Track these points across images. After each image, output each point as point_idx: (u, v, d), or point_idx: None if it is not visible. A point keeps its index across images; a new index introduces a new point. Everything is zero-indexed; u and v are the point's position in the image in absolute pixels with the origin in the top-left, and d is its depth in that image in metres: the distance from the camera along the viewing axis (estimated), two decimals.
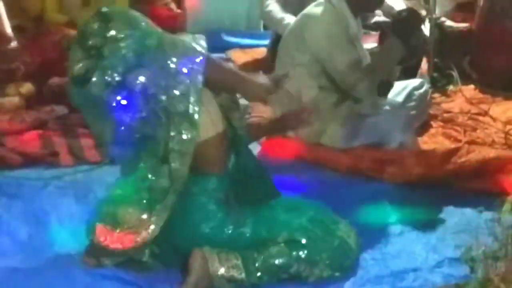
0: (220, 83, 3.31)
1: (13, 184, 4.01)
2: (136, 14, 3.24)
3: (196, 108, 3.04)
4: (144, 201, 3.15)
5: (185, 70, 3.07)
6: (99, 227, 3.18)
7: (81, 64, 3.10)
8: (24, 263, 3.34)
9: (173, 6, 6.52)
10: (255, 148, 4.52)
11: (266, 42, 5.82)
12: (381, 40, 4.76)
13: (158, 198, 3.12)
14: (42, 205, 3.80)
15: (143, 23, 3.18)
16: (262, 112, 4.94)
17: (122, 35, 3.10)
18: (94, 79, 3.07)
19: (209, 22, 6.34)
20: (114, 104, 3.10)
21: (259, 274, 3.22)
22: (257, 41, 6.14)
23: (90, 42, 3.11)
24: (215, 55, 5.82)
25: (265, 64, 5.49)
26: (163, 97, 3.04)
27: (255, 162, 3.48)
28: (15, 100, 4.92)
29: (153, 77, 3.08)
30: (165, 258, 3.27)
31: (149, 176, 3.15)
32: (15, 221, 3.67)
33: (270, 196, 3.47)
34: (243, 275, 3.19)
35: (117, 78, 3.08)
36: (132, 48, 3.09)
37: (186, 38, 3.09)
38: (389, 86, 4.64)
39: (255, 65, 5.76)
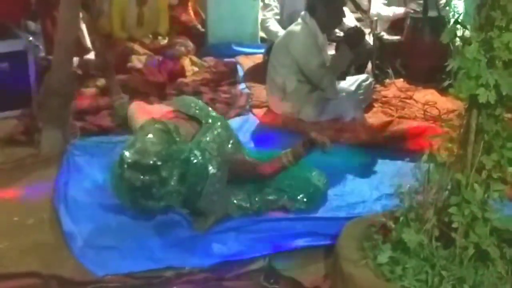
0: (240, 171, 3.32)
1: (92, 146, 4.01)
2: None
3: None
4: None
5: None
6: None
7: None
8: (101, 199, 3.38)
9: (199, 26, 6.52)
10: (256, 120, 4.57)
11: (262, 50, 5.78)
12: (336, 49, 4.76)
13: None
14: (112, 160, 3.78)
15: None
16: (260, 98, 4.94)
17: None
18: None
19: (224, 37, 6.30)
20: None
21: (258, 205, 3.25)
22: (256, 50, 6.09)
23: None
24: (227, 60, 5.84)
25: (261, 66, 5.46)
26: None
27: None
28: (93, 90, 4.91)
29: None
30: None
31: None
32: (94, 170, 3.70)
33: None
34: (248, 204, 3.22)
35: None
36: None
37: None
38: (344, 76, 4.66)
39: (255, 68, 5.73)
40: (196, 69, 5.61)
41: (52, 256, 2.92)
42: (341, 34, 5.27)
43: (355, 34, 4.55)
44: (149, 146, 3.03)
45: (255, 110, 4.76)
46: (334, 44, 4.94)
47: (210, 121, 3.35)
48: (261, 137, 4.22)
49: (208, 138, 3.18)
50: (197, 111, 3.43)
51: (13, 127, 4.23)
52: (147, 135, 3.09)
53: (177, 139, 3.09)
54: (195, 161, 3.03)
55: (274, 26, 5.32)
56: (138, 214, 3.17)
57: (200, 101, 3.68)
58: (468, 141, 2.40)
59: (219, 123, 3.37)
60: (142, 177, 2.96)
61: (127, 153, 3.01)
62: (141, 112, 3.45)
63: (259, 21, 5.78)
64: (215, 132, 3.25)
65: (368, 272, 2.51)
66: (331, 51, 4.84)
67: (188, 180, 3.01)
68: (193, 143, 3.14)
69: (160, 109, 3.51)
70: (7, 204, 3.37)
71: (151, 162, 2.98)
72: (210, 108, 3.58)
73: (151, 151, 3.00)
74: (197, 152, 3.06)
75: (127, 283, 2.74)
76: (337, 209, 3.35)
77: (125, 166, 2.98)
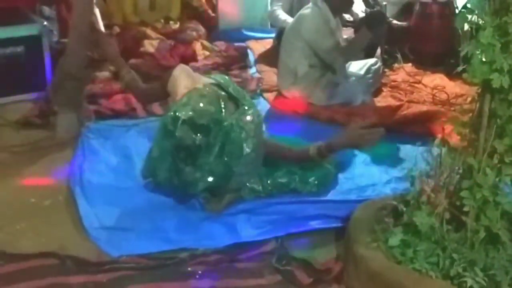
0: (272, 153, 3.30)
1: (106, 129, 3.99)
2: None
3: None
4: None
5: None
6: None
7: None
8: (114, 181, 3.38)
9: (209, 11, 6.46)
10: (266, 105, 4.53)
11: (272, 35, 5.73)
12: (356, 30, 4.71)
13: None
14: (125, 143, 3.81)
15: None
16: (270, 82, 4.90)
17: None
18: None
19: (234, 21, 6.25)
20: None
21: (270, 187, 3.23)
22: (266, 35, 6.03)
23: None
24: (237, 44, 5.79)
25: (272, 51, 5.42)
26: None
27: None
28: (106, 74, 4.87)
29: None
30: None
31: None
32: (108, 153, 3.68)
33: None
34: (260, 187, 3.20)
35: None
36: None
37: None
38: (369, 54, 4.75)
39: (266, 53, 5.68)
40: (207, 53, 5.57)
41: (68, 237, 2.91)
42: (351, 19, 5.25)
43: (377, 16, 4.52)
44: (204, 107, 3.02)
45: (265, 94, 4.72)
46: (346, 29, 4.90)
47: (246, 103, 3.32)
48: (272, 121, 4.18)
49: (248, 118, 3.15)
50: (236, 91, 3.38)
51: (28, 110, 4.21)
52: (202, 96, 3.08)
53: (224, 109, 3.07)
54: (233, 136, 3.01)
55: (282, 15, 5.29)
56: (164, 184, 3.15)
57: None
58: (480, 126, 2.37)
59: (253, 108, 3.34)
60: (194, 136, 2.95)
61: (182, 111, 2.99)
62: (186, 76, 3.38)
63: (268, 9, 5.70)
64: (253, 114, 3.23)
65: (379, 255, 2.49)
66: (346, 35, 4.80)
67: (224, 157, 2.99)
68: (234, 119, 3.12)
69: (203, 79, 3.44)
70: (24, 186, 3.36)
71: (205, 122, 2.98)
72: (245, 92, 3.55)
73: (206, 112, 3.01)
74: (236, 129, 3.05)
75: (142, 264, 2.73)
76: (347, 192, 3.33)
77: (179, 122, 2.97)
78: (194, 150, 3.00)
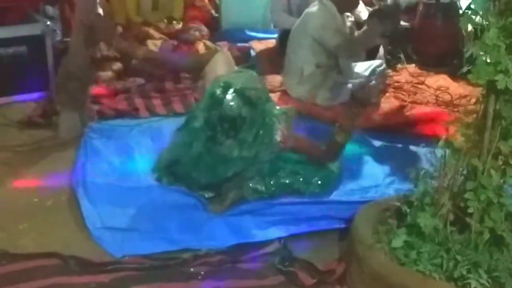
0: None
1: (109, 129, 3.98)
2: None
3: None
4: None
5: None
6: None
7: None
8: (117, 181, 3.37)
9: (212, 11, 6.46)
10: None
11: (275, 35, 5.72)
12: (367, 23, 4.68)
13: None
14: (128, 143, 3.80)
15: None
16: (273, 82, 4.89)
17: None
18: None
19: (237, 22, 6.24)
20: None
21: (273, 188, 3.22)
22: (269, 35, 6.01)
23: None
24: (240, 45, 5.78)
25: (275, 50, 5.42)
26: None
27: None
28: (109, 74, 4.86)
29: None
30: None
31: None
32: (111, 153, 3.67)
33: None
34: (263, 188, 3.20)
35: None
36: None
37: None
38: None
39: (268, 52, 5.67)
40: None
41: (71, 237, 2.91)
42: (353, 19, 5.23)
43: (390, 8, 4.53)
44: (252, 83, 3.17)
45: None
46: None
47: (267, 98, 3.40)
48: None
49: (283, 109, 3.26)
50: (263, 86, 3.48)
51: (31, 110, 4.21)
52: (249, 76, 3.24)
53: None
54: (268, 122, 3.11)
55: (284, 15, 5.27)
56: (192, 161, 3.16)
57: None
58: (485, 127, 2.36)
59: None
60: (242, 108, 3.07)
61: (232, 81, 3.11)
62: (227, 62, 3.43)
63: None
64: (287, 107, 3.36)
65: (382, 256, 2.49)
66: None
67: (258, 140, 3.08)
68: (269, 106, 3.22)
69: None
70: (27, 186, 3.36)
71: (253, 97, 3.09)
72: None
73: (254, 88, 3.14)
74: (272, 116, 3.16)
75: (145, 264, 2.73)
76: (350, 193, 3.33)
77: (232, 90, 3.03)
78: (238, 122, 3.07)
